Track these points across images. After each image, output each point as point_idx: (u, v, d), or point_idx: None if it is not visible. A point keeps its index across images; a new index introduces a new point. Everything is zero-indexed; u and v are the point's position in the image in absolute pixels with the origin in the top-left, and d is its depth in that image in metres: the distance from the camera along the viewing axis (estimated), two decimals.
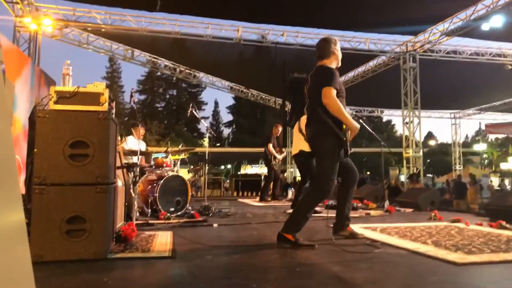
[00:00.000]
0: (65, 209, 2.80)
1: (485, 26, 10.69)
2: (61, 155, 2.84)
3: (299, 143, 6.36)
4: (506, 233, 4.10)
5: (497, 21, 10.28)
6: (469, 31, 11.85)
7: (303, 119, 6.30)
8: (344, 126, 3.46)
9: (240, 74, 17.64)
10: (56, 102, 2.89)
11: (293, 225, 3.46)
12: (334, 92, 3.46)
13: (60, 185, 2.82)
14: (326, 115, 3.46)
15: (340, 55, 3.78)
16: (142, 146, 6.30)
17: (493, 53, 14.51)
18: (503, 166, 33.48)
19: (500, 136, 41.34)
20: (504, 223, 4.46)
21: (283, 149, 9.83)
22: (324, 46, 3.73)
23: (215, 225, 4.86)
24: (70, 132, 2.87)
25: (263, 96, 20.39)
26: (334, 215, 3.96)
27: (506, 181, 24.66)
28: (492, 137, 46.37)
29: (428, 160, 40.95)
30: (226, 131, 55.63)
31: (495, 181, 25.55)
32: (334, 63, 3.72)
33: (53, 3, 12.02)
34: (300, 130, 6.28)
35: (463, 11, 11.30)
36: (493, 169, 34.88)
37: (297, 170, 9.32)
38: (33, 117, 5.47)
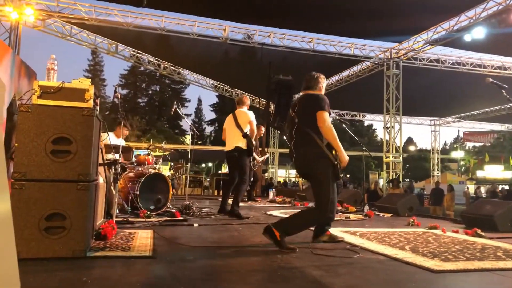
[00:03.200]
0: (45, 205, 2.76)
1: (467, 37, 10.93)
2: (43, 151, 2.79)
3: (236, 139, 5.86)
4: (481, 241, 4.21)
5: (479, 33, 10.51)
6: (451, 41, 12.09)
7: (239, 112, 6.02)
8: (334, 152, 3.52)
9: (225, 73, 17.61)
10: (39, 97, 2.84)
11: (286, 227, 3.47)
12: (328, 116, 3.54)
13: (40, 181, 2.77)
14: (318, 137, 3.51)
15: (323, 92, 3.91)
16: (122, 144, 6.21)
17: (474, 64, 14.85)
18: (479, 173, 34.24)
19: (477, 144, 42.31)
20: (479, 231, 4.57)
21: (266, 150, 9.71)
22: (313, 80, 3.87)
23: (195, 225, 4.85)
24: (53, 128, 2.82)
25: (248, 96, 20.37)
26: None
27: (482, 189, 25.21)
28: (469, 144, 47.37)
29: (407, 165, 41.60)
30: (209, 129, 55.47)
31: (471, 188, 26.13)
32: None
33: None
34: (238, 125, 5.88)
35: (447, 21, 11.53)
36: (470, 176, 35.65)
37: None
38: (11, 108, 5.36)
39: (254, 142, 5.94)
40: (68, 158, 2.84)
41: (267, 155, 9.96)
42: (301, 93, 3.91)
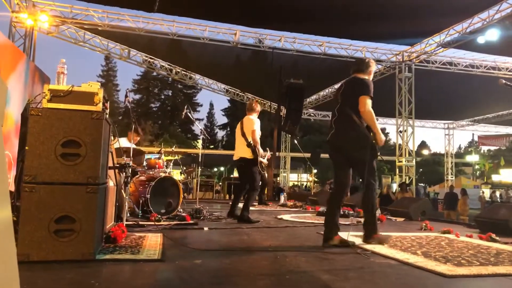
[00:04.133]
0: (55, 208, 2.77)
1: (480, 39, 10.79)
2: (53, 154, 2.81)
3: (241, 149, 5.83)
4: (496, 245, 4.12)
5: (492, 35, 10.38)
6: (464, 43, 11.96)
7: (246, 120, 5.94)
8: (372, 133, 3.75)
9: (236, 77, 17.66)
10: (49, 101, 2.87)
11: (374, 226, 3.91)
12: (370, 102, 3.74)
13: (50, 184, 2.79)
14: (357, 117, 3.74)
15: (371, 77, 4.12)
16: None
17: (488, 66, 14.66)
18: (495, 178, 33.68)
19: (493, 148, 41.59)
20: (493, 235, 4.48)
21: (265, 153, 9.49)
22: (364, 64, 4.08)
23: (205, 228, 4.84)
24: (63, 131, 2.84)
25: (259, 100, 20.40)
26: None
27: (497, 193, 24.79)
28: (484, 148, 46.68)
29: (421, 170, 41.12)
30: (221, 133, 55.68)
31: (486, 192, 25.71)
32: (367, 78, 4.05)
33: None
34: (243, 134, 5.82)
35: (460, 24, 11.40)
36: (485, 180, 35.10)
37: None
38: (25, 113, 5.44)
39: (260, 151, 5.83)
40: (77, 161, 2.85)
41: (268, 155, 9.81)
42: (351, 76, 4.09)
